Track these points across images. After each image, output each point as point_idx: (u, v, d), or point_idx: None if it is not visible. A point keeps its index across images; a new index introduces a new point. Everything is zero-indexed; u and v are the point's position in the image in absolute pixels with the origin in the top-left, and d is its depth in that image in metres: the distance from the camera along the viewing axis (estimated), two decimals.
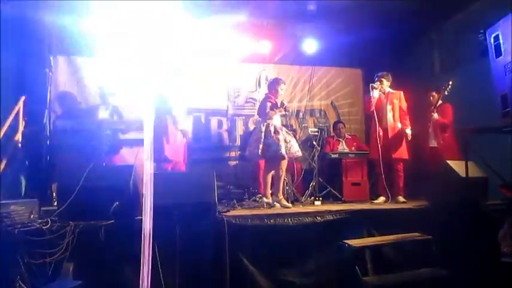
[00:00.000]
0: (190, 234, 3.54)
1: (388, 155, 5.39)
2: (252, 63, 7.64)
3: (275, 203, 4.95)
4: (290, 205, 4.97)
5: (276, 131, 5.07)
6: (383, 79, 5.56)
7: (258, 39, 7.18)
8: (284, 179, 5.56)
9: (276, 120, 5.19)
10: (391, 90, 5.60)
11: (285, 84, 5.51)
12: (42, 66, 5.70)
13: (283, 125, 5.40)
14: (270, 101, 5.23)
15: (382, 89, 5.56)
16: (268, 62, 7.73)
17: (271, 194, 5.12)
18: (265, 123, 5.11)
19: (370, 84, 5.57)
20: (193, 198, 3.65)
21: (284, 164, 5.06)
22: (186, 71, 6.43)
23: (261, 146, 5.03)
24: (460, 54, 6.49)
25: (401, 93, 5.61)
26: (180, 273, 3.45)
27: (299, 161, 5.77)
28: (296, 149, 5.17)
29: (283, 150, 4.96)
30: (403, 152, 5.44)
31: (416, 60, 7.49)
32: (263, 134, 5.06)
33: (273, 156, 5.03)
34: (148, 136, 2.56)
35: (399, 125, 5.50)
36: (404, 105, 5.58)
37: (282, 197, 5.05)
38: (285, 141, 5.09)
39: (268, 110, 5.17)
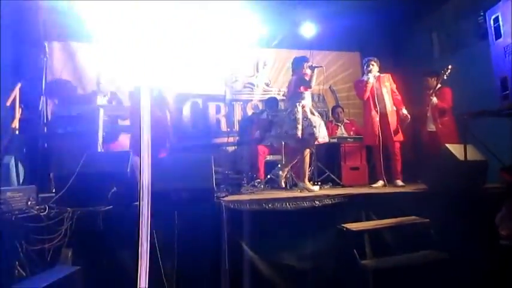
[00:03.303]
0: (188, 219, 3.53)
1: (384, 139, 5.38)
2: (250, 47, 7.57)
3: (303, 187, 4.86)
4: (316, 188, 4.90)
5: (312, 112, 4.95)
6: (374, 63, 5.53)
7: (256, 23, 7.10)
8: (283, 164, 5.58)
9: (308, 100, 5.05)
10: (380, 74, 5.58)
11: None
12: (37, 53, 5.64)
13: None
14: (303, 78, 5.02)
15: (372, 72, 5.53)
16: (265, 47, 7.66)
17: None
18: (300, 104, 4.94)
19: (365, 68, 5.55)
20: (191, 184, 3.63)
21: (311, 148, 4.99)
22: (183, 56, 6.38)
23: (299, 127, 4.84)
24: (460, 36, 6.44)
25: (390, 75, 5.58)
26: (178, 259, 3.45)
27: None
28: (324, 134, 4.99)
29: (317, 133, 4.84)
30: (399, 135, 5.44)
31: (415, 43, 7.43)
32: (300, 114, 4.90)
33: (307, 139, 4.89)
34: (145, 121, 2.53)
35: (394, 108, 5.48)
36: (394, 86, 5.57)
37: (308, 182, 4.97)
38: (310, 122, 4.91)
39: (302, 89, 4.97)
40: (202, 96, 7.42)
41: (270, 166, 5.92)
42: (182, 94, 7.17)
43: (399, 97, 5.53)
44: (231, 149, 7.18)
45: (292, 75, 5.26)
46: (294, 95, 5.06)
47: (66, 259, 3.20)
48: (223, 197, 4.05)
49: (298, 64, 5.21)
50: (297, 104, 4.94)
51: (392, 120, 5.42)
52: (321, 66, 5.19)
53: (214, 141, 7.24)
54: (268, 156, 6.13)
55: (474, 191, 4.14)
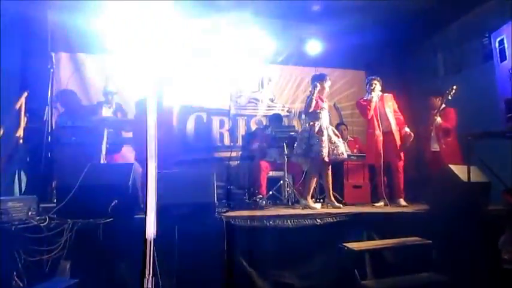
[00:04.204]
0: (189, 234, 3.51)
1: (387, 159, 5.37)
2: (255, 63, 7.62)
3: (305, 205, 4.93)
4: (317, 206, 4.94)
5: (320, 131, 4.98)
6: (376, 82, 5.55)
7: (262, 39, 7.16)
8: (285, 181, 5.57)
9: (324, 119, 5.09)
10: (383, 93, 5.59)
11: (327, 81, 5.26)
12: (44, 63, 5.69)
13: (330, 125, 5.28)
14: (315, 99, 5.08)
15: (375, 91, 5.54)
16: (271, 63, 7.71)
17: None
18: (310, 123, 5.05)
19: (368, 87, 5.59)
20: (192, 198, 3.63)
21: (327, 166, 5.04)
22: (189, 70, 6.42)
23: (303, 147, 4.98)
24: (464, 57, 6.46)
25: (392, 95, 5.60)
26: (178, 274, 3.43)
27: (300, 163, 5.72)
28: (341, 151, 5.04)
29: (324, 152, 4.89)
30: (400, 154, 5.43)
31: (419, 63, 7.45)
32: (308, 134, 5.00)
33: (314, 158, 4.96)
34: (151, 134, 2.53)
35: (397, 127, 5.48)
36: (395, 106, 5.59)
37: (308, 199, 5.02)
38: (330, 141, 4.99)
39: (312, 108, 5.04)
40: (207, 110, 7.44)
41: (273, 182, 5.89)
42: (186, 107, 7.19)
43: (401, 117, 5.54)
44: (234, 163, 7.16)
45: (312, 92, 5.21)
46: (307, 114, 5.15)
47: (64, 271, 3.18)
48: (224, 212, 4.04)
49: (313, 82, 5.24)
50: (307, 123, 5.06)
51: (395, 139, 5.41)
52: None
53: (217, 156, 7.23)
54: (271, 172, 6.11)
55: (477, 212, 4.11)
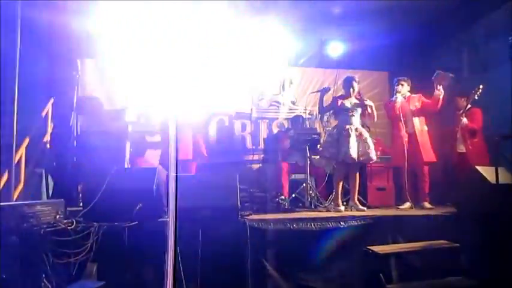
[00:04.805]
0: (212, 237, 3.53)
1: (413, 160, 5.29)
2: (277, 66, 7.62)
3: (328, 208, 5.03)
4: (341, 209, 4.96)
5: (347, 133, 4.98)
6: (404, 83, 5.48)
7: (283, 41, 7.15)
8: (308, 183, 5.53)
9: (354, 120, 5.10)
10: (411, 95, 5.50)
11: (356, 82, 5.28)
12: (70, 69, 5.82)
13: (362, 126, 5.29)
14: (339, 100, 5.19)
15: (403, 93, 5.46)
16: (293, 65, 7.70)
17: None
18: (337, 125, 5.13)
19: (395, 88, 5.51)
20: (216, 202, 3.65)
21: (354, 169, 5.08)
22: (211, 74, 6.46)
23: (331, 149, 5.02)
24: (490, 57, 6.33)
25: (421, 95, 5.50)
26: (202, 277, 3.45)
27: (323, 166, 5.68)
28: (372, 154, 5.03)
29: (352, 153, 4.88)
30: (431, 155, 5.33)
31: (444, 63, 7.32)
32: (335, 136, 5.04)
33: (342, 160, 4.97)
34: (173, 138, 2.55)
35: (425, 128, 5.39)
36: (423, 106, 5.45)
37: (338, 203, 5.04)
38: (361, 140, 5.00)
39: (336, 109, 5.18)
40: (228, 114, 7.48)
41: (295, 185, 5.87)
42: (208, 111, 7.23)
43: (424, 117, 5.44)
44: (256, 166, 7.17)
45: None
46: (335, 115, 5.27)
47: (91, 274, 3.24)
48: (247, 215, 4.04)
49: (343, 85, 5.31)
50: (336, 125, 5.11)
51: (423, 140, 5.32)
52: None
53: (239, 159, 7.25)
54: (294, 175, 6.09)
55: (505, 215, 4.00)
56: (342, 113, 5.15)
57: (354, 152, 4.89)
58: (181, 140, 5.30)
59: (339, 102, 5.17)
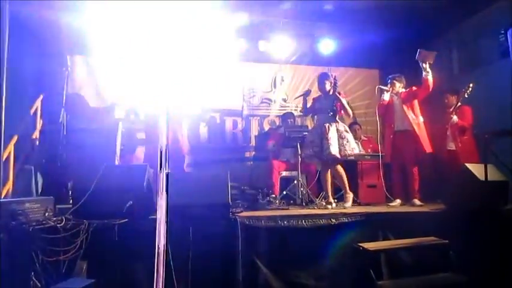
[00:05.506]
0: (203, 234, 3.52)
1: (403, 158, 5.31)
2: (268, 63, 7.61)
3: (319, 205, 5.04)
4: (331, 206, 4.96)
5: (326, 131, 5.01)
6: (395, 81, 5.49)
7: (274, 39, 7.15)
8: (299, 181, 5.54)
9: (332, 118, 5.12)
10: (404, 91, 5.51)
11: (330, 78, 5.28)
12: (59, 65, 5.76)
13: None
14: (317, 100, 5.30)
15: (394, 90, 5.48)
16: (284, 63, 7.70)
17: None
18: (318, 124, 5.20)
19: (378, 87, 5.56)
20: (207, 199, 3.63)
21: (337, 165, 5.12)
22: (201, 71, 6.44)
23: (315, 148, 5.09)
24: (480, 55, 6.38)
25: (412, 86, 5.50)
26: (193, 274, 3.44)
27: (314, 163, 5.69)
28: (351, 147, 5.05)
29: (332, 150, 4.92)
30: (426, 147, 5.32)
31: (435, 61, 7.36)
32: (316, 134, 5.11)
33: (324, 157, 5.02)
34: (163, 135, 2.53)
35: (421, 119, 5.41)
36: (416, 104, 5.46)
37: (329, 200, 5.09)
38: (341, 138, 5.02)
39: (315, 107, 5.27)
40: (220, 111, 7.46)
41: (286, 182, 5.87)
42: (199, 108, 7.21)
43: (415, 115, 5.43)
44: (247, 164, 7.17)
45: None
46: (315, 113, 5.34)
47: (81, 271, 3.21)
48: (238, 212, 4.03)
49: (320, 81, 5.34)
50: (325, 122, 5.09)
51: (421, 133, 5.32)
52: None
53: (230, 156, 7.24)
54: (284, 172, 6.10)
55: (494, 212, 4.05)
56: (321, 112, 5.22)
57: (334, 149, 4.94)
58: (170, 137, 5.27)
59: (317, 101, 5.28)
